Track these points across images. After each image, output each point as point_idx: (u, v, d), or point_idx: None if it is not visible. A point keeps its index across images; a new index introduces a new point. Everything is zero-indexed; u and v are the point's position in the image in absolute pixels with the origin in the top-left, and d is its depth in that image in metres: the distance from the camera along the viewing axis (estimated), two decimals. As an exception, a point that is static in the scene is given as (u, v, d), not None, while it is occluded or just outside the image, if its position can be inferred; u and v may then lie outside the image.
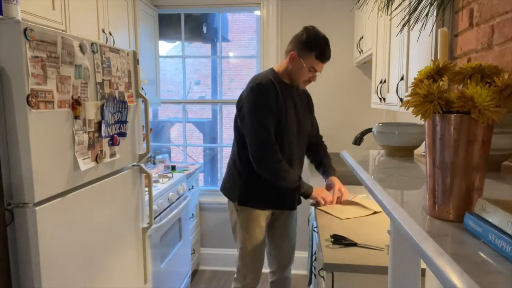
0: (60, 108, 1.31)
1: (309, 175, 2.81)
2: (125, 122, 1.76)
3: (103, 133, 1.55)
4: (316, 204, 2.08)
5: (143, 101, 1.96)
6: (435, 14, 1.16)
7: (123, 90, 1.74)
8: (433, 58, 1.27)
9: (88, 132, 1.47)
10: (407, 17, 1.14)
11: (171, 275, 2.71)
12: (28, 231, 1.20)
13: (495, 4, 0.99)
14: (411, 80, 1.47)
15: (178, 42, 3.88)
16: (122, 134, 1.73)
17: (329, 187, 2.14)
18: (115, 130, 1.67)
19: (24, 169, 1.19)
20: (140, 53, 2.38)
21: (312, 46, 1.92)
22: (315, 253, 2.09)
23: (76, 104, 1.38)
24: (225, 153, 3.46)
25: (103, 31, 2.25)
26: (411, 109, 0.62)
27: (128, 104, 1.78)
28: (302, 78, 1.98)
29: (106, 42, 2.26)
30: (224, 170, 2.22)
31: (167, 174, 2.85)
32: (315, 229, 2.03)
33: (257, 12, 3.37)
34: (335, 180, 2.14)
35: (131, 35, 2.66)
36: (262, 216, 2.06)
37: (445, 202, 0.60)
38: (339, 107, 3.24)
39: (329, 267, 1.47)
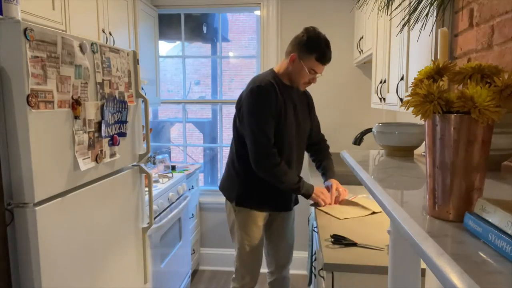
0: (60, 108, 1.31)
1: (309, 175, 2.81)
2: (125, 122, 1.76)
3: (103, 133, 1.55)
4: (316, 205, 2.08)
5: (143, 101, 1.96)
6: (435, 14, 1.16)
7: (123, 90, 1.74)
8: (433, 58, 1.27)
9: (88, 132, 1.47)
10: (407, 17, 1.14)
11: (171, 275, 2.71)
12: (28, 231, 1.20)
13: (495, 4, 0.99)
14: (411, 80, 1.47)
15: (178, 42, 3.88)
16: (122, 134, 1.73)
17: (327, 189, 2.14)
18: (115, 130, 1.67)
19: (24, 169, 1.19)
20: (140, 53, 2.38)
21: (313, 48, 1.91)
22: (315, 253, 2.09)
23: (76, 104, 1.38)
24: (225, 153, 3.45)
25: (103, 31, 2.25)
26: (411, 109, 0.62)
27: (128, 104, 1.78)
28: (302, 80, 1.97)
29: (106, 42, 2.26)
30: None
31: (167, 174, 2.85)
32: (315, 229, 2.03)
33: (257, 12, 3.37)
34: (333, 181, 2.15)
35: (131, 35, 2.66)
36: (259, 217, 2.06)
37: (445, 202, 0.60)
38: (339, 107, 3.24)
39: (329, 267, 1.47)
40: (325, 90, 3.13)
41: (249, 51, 4.33)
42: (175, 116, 4.10)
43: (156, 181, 2.66)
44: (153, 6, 3.23)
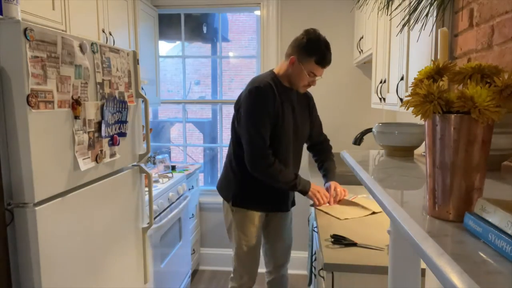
0: (60, 108, 1.31)
1: (309, 175, 2.81)
2: (125, 122, 1.76)
3: (103, 133, 1.55)
4: (313, 204, 2.09)
5: (143, 101, 1.96)
6: (435, 14, 1.16)
7: (123, 90, 1.74)
8: (433, 58, 1.27)
9: (88, 132, 1.47)
10: (407, 17, 1.14)
11: (171, 275, 2.71)
12: (28, 231, 1.20)
13: (495, 4, 0.99)
14: (411, 80, 1.47)
15: (178, 42, 3.88)
16: (122, 134, 1.73)
17: (327, 190, 2.15)
18: (115, 130, 1.67)
19: (24, 169, 1.19)
20: (140, 53, 2.38)
21: (312, 51, 1.90)
22: (315, 253, 2.10)
23: (76, 104, 1.38)
24: (225, 153, 3.46)
25: (103, 31, 2.25)
26: (411, 109, 0.62)
27: (128, 104, 1.78)
28: (302, 82, 1.97)
29: (106, 42, 2.26)
30: (224, 170, 2.22)
31: (167, 174, 2.85)
32: (315, 229, 2.03)
33: (257, 12, 3.37)
34: (332, 182, 2.15)
35: (131, 35, 2.66)
36: (256, 217, 2.07)
37: (445, 202, 0.60)
38: (339, 107, 3.23)
39: (329, 267, 1.47)
40: (325, 90, 3.13)
41: (249, 51, 4.33)
42: (175, 116, 4.11)
43: (156, 181, 2.66)
44: (153, 6, 3.23)
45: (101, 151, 1.56)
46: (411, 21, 1.11)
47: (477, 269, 0.45)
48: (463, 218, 0.56)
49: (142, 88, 2.35)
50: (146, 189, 2.04)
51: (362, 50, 2.76)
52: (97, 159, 1.53)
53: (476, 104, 0.55)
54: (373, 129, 1.29)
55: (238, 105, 2.01)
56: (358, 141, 2.02)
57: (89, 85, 1.48)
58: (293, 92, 2.04)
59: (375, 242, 1.61)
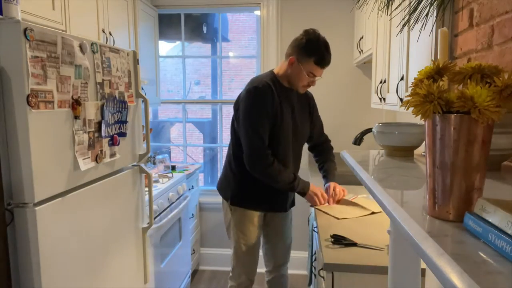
0: (60, 108, 1.31)
1: (309, 174, 2.81)
2: (125, 122, 1.76)
3: (103, 133, 1.55)
4: (312, 204, 2.10)
5: (143, 101, 1.96)
6: (435, 14, 1.16)
7: (123, 90, 1.74)
8: (433, 58, 1.27)
9: (88, 132, 1.47)
10: (407, 17, 1.14)
11: (171, 275, 2.71)
12: (28, 231, 1.20)
13: (495, 4, 0.99)
14: (411, 80, 1.47)
15: (178, 42, 3.88)
16: (122, 134, 1.73)
17: (326, 189, 2.15)
18: (115, 130, 1.67)
19: (24, 169, 1.19)
20: (140, 53, 2.38)
21: (311, 51, 1.90)
22: (315, 253, 2.10)
23: (76, 104, 1.38)
24: (225, 153, 3.46)
25: (103, 31, 2.25)
26: (411, 109, 0.62)
27: (128, 104, 1.78)
28: (301, 83, 1.97)
29: (106, 42, 2.26)
30: (224, 169, 2.23)
31: (167, 174, 2.85)
32: (315, 229, 2.03)
33: (257, 12, 3.37)
34: (331, 183, 2.16)
35: (131, 35, 2.66)
36: (255, 216, 2.08)
37: (445, 202, 0.60)
38: (339, 107, 3.24)
39: (329, 267, 1.47)
40: (325, 90, 3.13)
41: (249, 51, 4.32)
42: (175, 116, 4.11)
43: (156, 181, 2.66)
44: (153, 6, 3.23)
45: (101, 151, 1.56)
46: (411, 21, 1.11)
47: (477, 269, 0.45)
48: (463, 218, 0.56)
49: (142, 88, 2.35)
50: (146, 189, 2.04)
51: (362, 50, 2.76)
52: (97, 159, 1.53)
53: (476, 104, 0.55)
54: (373, 129, 1.29)
55: (237, 105, 2.01)
56: (358, 141, 2.02)
57: (89, 85, 1.48)
58: (293, 92, 2.04)
59: (375, 242, 1.61)
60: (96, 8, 2.19)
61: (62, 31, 1.84)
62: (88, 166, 1.47)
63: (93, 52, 1.51)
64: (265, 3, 3.22)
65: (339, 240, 1.62)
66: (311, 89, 2.15)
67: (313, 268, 2.15)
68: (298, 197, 2.19)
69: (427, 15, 1.07)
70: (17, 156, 1.18)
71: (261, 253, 2.22)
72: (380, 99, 2.15)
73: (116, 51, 1.69)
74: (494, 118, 0.55)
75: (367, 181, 0.92)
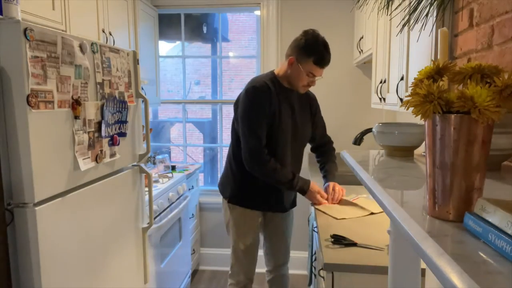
0: (60, 108, 1.31)
1: (309, 174, 2.81)
2: (125, 122, 1.76)
3: (103, 133, 1.55)
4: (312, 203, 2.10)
5: (143, 101, 1.96)
6: (435, 14, 1.16)
7: (123, 90, 1.74)
8: (433, 58, 1.27)
9: (88, 132, 1.47)
10: (407, 17, 1.14)
11: (171, 275, 2.71)
12: (28, 231, 1.20)
13: (495, 4, 0.99)
14: (411, 80, 1.47)
15: (178, 42, 3.88)
16: (122, 134, 1.73)
17: (326, 189, 2.16)
18: (115, 130, 1.67)
19: (24, 169, 1.19)
20: (140, 53, 2.38)
21: (311, 51, 1.90)
22: (315, 253, 2.10)
23: (76, 104, 1.38)
24: (225, 153, 3.46)
25: (103, 31, 2.25)
26: (411, 109, 0.62)
27: (128, 104, 1.78)
28: (301, 83, 1.97)
29: (106, 42, 2.26)
30: (224, 170, 2.23)
31: (167, 174, 2.85)
32: (315, 229, 2.03)
33: (257, 12, 3.37)
34: (330, 183, 2.16)
35: (131, 35, 2.66)
36: (254, 215, 2.08)
37: (445, 202, 0.60)
38: (339, 107, 3.23)
39: (329, 267, 1.47)
40: (325, 90, 3.13)
41: (249, 51, 4.33)
42: (175, 116, 4.10)
43: (156, 181, 2.66)
44: (153, 6, 3.23)
45: (101, 151, 1.56)
46: (411, 21, 1.11)
47: (477, 269, 0.45)
48: (463, 218, 0.56)
49: (142, 88, 2.35)
50: (146, 189, 2.04)
51: (362, 50, 2.76)
52: (97, 159, 1.53)
53: (476, 104, 0.55)
54: (373, 129, 1.29)
55: (236, 105, 2.02)
56: (358, 141, 2.02)
57: (89, 85, 1.48)
58: (294, 93, 2.04)
59: (375, 242, 1.61)
60: (96, 8, 2.19)
61: (62, 31, 1.84)
62: (88, 166, 1.47)
63: (93, 52, 1.51)
64: (265, 3, 3.22)
65: (339, 240, 1.62)
66: (311, 89, 2.15)
67: (313, 268, 2.15)
68: (299, 198, 2.19)
69: (427, 15, 1.07)
70: (17, 156, 1.18)
71: (261, 252, 2.23)
72: (380, 99, 2.15)
73: (116, 51, 1.69)
74: (494, 118, 0.55)
75: (367, 181, 0.92)
